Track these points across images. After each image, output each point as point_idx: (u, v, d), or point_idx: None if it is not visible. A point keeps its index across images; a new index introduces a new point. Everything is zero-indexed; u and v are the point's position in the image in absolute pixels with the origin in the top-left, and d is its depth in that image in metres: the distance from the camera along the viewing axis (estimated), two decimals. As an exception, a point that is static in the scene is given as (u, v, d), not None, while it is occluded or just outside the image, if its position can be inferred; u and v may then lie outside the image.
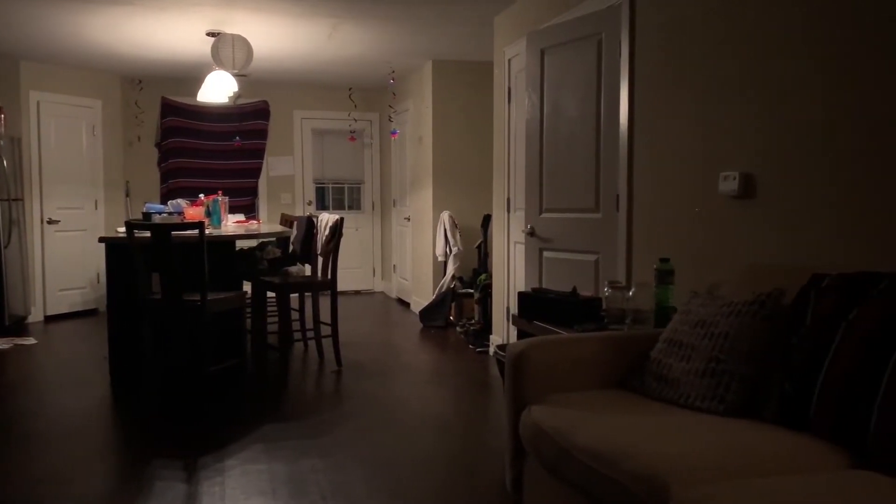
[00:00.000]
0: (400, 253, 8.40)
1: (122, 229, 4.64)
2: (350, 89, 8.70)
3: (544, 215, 4.17)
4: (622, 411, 2.09)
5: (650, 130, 3.39)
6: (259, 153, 7.71)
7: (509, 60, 5.10)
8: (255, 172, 7.71)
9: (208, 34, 5.74)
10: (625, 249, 3.56)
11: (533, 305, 3.20)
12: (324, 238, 5.18)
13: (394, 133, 8.17)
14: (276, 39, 6.10)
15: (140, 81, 8.02)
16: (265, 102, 7.68)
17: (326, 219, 5.23)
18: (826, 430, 1.84)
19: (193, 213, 5.21)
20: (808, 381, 1.92)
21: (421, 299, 7.38)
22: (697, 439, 1.81)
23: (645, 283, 2.87)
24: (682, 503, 1.51)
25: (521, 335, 3.28)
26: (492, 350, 5.43)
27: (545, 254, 4.17)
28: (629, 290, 2.90)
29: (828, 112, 2.41)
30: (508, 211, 5.16)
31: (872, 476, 1.60)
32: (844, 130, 2.35)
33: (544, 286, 4.12)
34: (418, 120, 7.53)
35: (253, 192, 7.83)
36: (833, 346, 1.90)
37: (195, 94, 6.47)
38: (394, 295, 8.68)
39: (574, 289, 3.17)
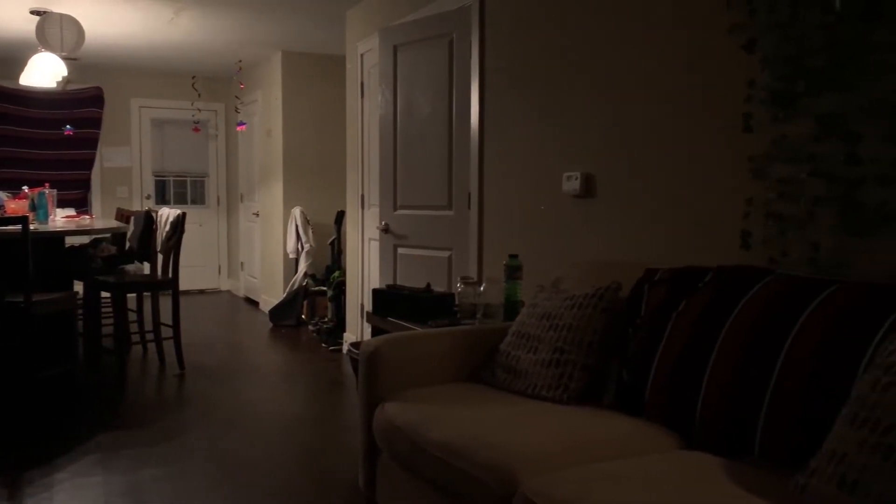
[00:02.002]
0: (248, 250, 8.13)
1: (-71, 224, 4.15)
2: (194, 78, 8.28)
3: (399, 212, 4.18)
4: (474, 404, 2.13)
5: (500, 131, 3.49)
6: (92, 143, 7.17)
7: (362, 55, 5.07)
8: (88, 164, 7.18)
9: (32, 12, 5.25)
10: (476, 246, 3.65)
11: (387, 302, 3.20)
12: (164, 234, 4.91)
13: (241, 125, 7.88)
14: (111, 21, 5.69)
15: (-50, 60, 7.21)
16: (99, 89, 7.16)
17: (167, 214, 4.96)
18: (658, 414, 1.98)
19: (16, 206, 4.75)
20: (643, 369, 2.06)
21: (271, 298, 7.19)
22: (544, 428, 1.88)
23: (495, 278, 2.95)
24: (530, 490, 1.56)
25: (375, 332, 3.27)
26: (345, 348, 5.39)
27: (399, 250, 4.18)
28: (480, 285, 2.97)
29: (658, 119, 2.59)
30: (362, 207, 5.13)
31: (699, 455, 1.74)
32: (671, 137, 2.53)
33: (399, 283, 4.14)
34: (267, 112, 7.32)
35: (85, 184, 7.28)
36: (664, 336, 2.04)
37: (17, 78, 5.90)
38: (241, 294, 8.39)
39: (428, 285, 3.20)
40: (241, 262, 8.38)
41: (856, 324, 1.62)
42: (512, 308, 2.86)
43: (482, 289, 2.93)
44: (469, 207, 3.70)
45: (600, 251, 2.87)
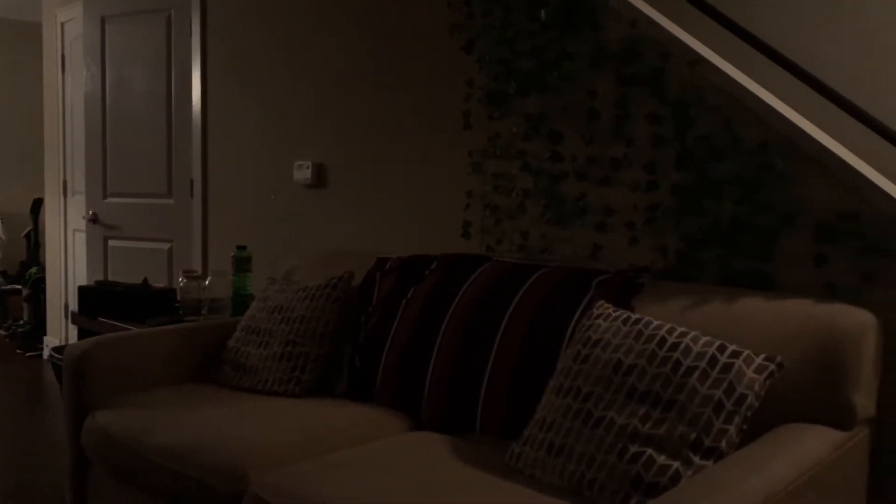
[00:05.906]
0: (-83, 244, 6.91)
1: None
2: None
3: (109, 200, 3.83)
4: (200, 405, 2.02)
5: (226, 115, 3.33)
6: None
7: (63, 24, 4.54)
8: None
9: None
10: (201, 237, 3.47)
11: (97, 300, 2.93)
12: None
13: None
14: None
15: None
16: None
17: None
18: (389, 399, 2.04)
19: None
20: (374, 355, 2.10)
21: (-51, 299, 6.18)
22: (275, 423, 1.84)
23: (222, 271, 2.84)
24: (260, 488, 1.52)
25: (83, 334, 2.97)
26: (46, 353, 4.85)
27: (111, 242, 3.85)
28: (206, 279, 2.84)
29: (389, 113, 2.66)
30: (65, 195, 4.64)
31: (427, 435, 1.82)
32: (401, 131, 2.62)
33: (111, 278, 3.83)
34: (-59, 82, 6.26)
35: None
36: (394, 323, 2.10)
37: None
38: None
39: (145, 280, 3.01)
40: None
41: (558, 304, 1.81)
42: (241, 302, 2.77)
43: (207, 282, 2.80)
44: (192, 195, 3.50)
45: (334, 241, 2.88)
